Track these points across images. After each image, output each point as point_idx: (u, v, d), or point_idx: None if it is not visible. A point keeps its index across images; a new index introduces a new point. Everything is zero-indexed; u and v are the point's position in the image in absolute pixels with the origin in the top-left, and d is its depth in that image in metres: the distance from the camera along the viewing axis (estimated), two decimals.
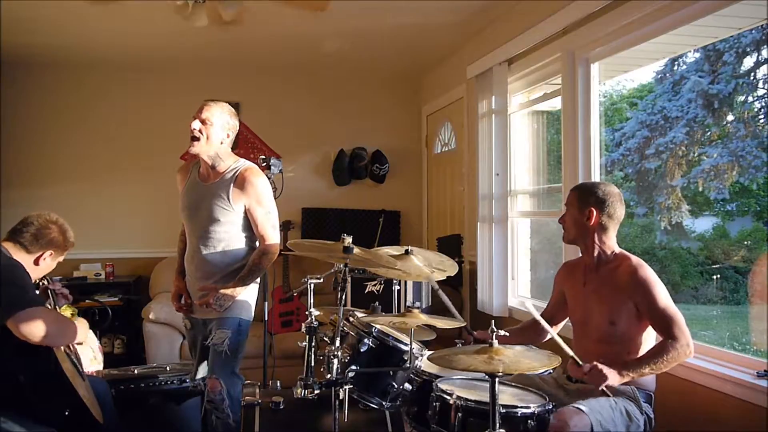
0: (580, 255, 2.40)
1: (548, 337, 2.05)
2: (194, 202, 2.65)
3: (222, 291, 2.51)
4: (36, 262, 2.33)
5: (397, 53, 4.83)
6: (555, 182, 3.80)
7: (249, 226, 2.63)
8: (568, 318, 2.56)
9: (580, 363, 2.03)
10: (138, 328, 4.32)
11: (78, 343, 2.43)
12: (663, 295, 2.10)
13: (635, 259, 2.20)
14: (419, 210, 5.58)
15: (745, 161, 7.30)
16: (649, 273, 2.14)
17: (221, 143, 2.59)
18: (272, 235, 2.61)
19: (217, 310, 2.52)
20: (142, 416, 2.92)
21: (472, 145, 4.22)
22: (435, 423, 2.03)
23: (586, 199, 2.25)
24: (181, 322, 2.89)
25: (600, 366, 1.98)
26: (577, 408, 1.93)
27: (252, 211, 2.58)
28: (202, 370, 2.71)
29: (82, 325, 2.37)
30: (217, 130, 2.56)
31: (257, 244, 2.66)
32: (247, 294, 2.63)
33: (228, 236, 2.59)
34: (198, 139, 2.54)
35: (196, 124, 2.54)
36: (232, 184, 2.56)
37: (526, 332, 2.55)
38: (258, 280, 2.70)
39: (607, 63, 3.15)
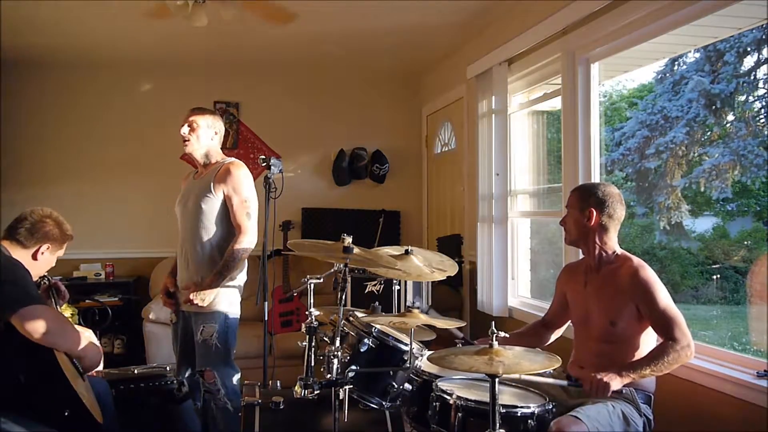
0: (582, 256, 2.40)
1: (548, 371, 2.06)
2: (184, 196, 2.86)
3: (202, 289, 2.65)
4: (34, 257, 2.32)
5: (397, 53, 4.82)
6: (555, 182, 3.80)
7: (229, 216, 2.77)
8: (564, 328, 2.57)
9: (578, 384, 2.04)
10: (138, 328, 4.32)
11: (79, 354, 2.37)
12: (664, 297, 2.10)
13: (636, 260, 2.20)
14: (419, 210, 5.58)
15: (747, 160, 7.30)
16: (650, 274, 2.14)
17: (211, 140, 2.85)
18: (246, 224, 2.72)
19: (200, 305, 2.65)
20: (142, 416, 2.91)
21: (472, 145, 4.22)
22: (435, 423, 2.03)
23: (586, 199, 2.26)
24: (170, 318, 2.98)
25: (599, 376, 1.98)
26: (575, 417, 1.93)
27: (229, 198, 2.73)
28: (184, 367, 2.86)
29: (85, 338, 2.36)
30: (204, 129, 2.82)
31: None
32: (230, 291, 2.76)
33: (211, 225, 2.73)
34: (189, 140, 2.81)
35: (184, 129, 2.81)
36: (215, 176, 2.75)
37: (527, 336, 2.55)
38: (244, 278, 2.82)
39: (607, 63, 3.15)
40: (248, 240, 2.71)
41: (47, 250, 2.35)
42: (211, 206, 2.73)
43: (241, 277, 2.82)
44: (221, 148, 2.93)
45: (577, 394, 2.17)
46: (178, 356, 2.87)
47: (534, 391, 2.12)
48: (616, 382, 1.98)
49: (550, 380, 2.06)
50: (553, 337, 2.59)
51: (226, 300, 2.73)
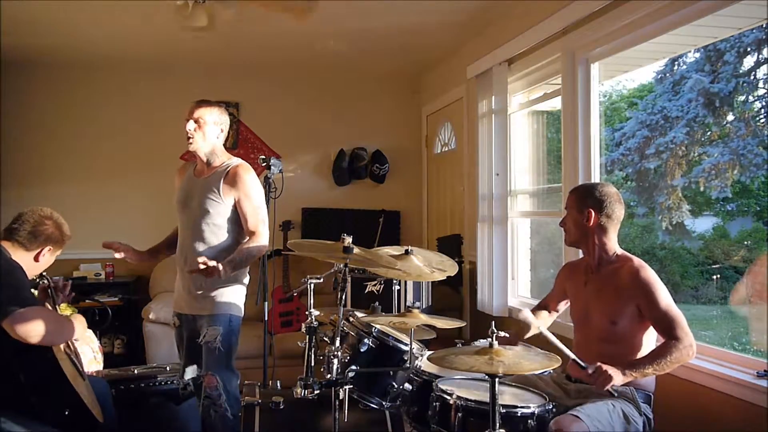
0: (582, 255, 2.40)
1: (551, 338, 2.02)
2: (186, 195, 2.74)
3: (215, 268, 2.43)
4: (36, 259, 2.34)
5: (397, 53, 4.82)
6: (555, 182, 3.80)
7: (238, 220, 2.68)
8: (560, 313, 2.56)
9: (584, 365, 2.02)
10: (138, 328, 4.32)
11: (75, 340, 2.43)
12: (665, 297, 2.10)
13: (637, 261, 2.20)
14: (419, 210, 5.58)
15: (746, 159, 7.30)
16: (651, 275, 2.14)
17: (216, 138, 2.71)
18: (261, 230, 2.66)
19: (205, 271, 2.41)
20: (142, 416, 2.92)
21: (472, 145, 4.22)
22: (435, 423, 2.03)
23: (584, 200, 2.26)
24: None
25: (604, 367, 1.98)
26: (575, 416, 1.93)
27: (241, 205, 2.64)
28: (190, 370, 2.75)
29: (79, 322, 2.38)
30: (210, 127, 2.68)
31: (246, 238, 2.69)
32: (236, 292, 2.69)
33: (218, 229, 2.65)
34: (194, 138, 2.66)
35: (190, 125, 2.65)
36: (222, 179, 2.65)
37: None
38: (246, 280, 2.76)
39: (607, 63, 3.15)
40: (260, 242, 2.65)
41: (48, 252, 2.37)
42: (218, 210, 2.63)
43: (245, 278, 2.77)
44: None
45: (577, 393, 2.18)
46: (184, 359, 2.79)
47: (534, 391, 2.12)
48: (617, 377, 1.98)
49: (561, 345, 2.01)
50: (550, 319, 2.56)
51: (231, 301, 2.67)
